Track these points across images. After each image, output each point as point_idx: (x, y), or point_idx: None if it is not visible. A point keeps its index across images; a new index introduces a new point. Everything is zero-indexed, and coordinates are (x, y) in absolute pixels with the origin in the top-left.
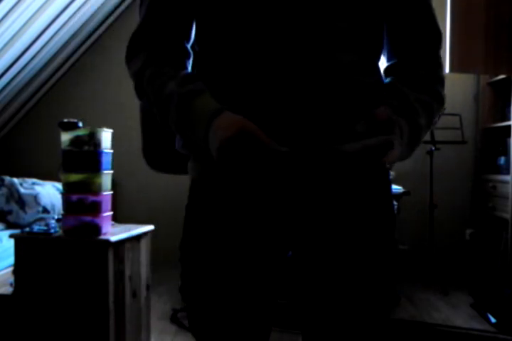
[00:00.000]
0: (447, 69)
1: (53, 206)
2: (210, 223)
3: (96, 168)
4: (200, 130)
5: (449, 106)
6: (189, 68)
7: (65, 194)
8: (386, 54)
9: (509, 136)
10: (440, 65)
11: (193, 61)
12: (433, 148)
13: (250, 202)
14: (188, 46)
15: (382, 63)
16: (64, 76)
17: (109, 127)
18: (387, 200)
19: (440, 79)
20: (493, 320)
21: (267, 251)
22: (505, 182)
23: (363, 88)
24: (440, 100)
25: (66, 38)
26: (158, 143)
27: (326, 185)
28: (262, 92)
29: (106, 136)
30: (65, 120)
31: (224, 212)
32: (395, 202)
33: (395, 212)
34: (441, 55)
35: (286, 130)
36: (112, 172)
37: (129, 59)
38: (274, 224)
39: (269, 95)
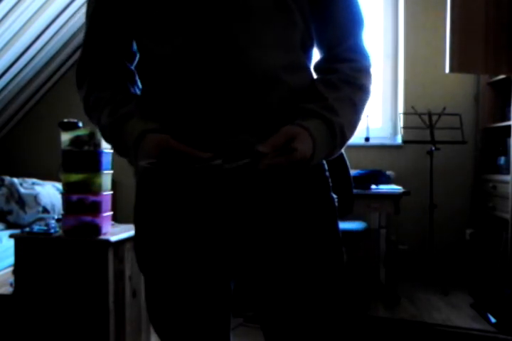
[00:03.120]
0: (447, 69)
1: (53, 206)
2: (157, 219)
3: (96, 168)
4: (133, 159)
5: (449, 106)
6: (133, 86)
7: (65, 194)
8: (318, 51)
9: (509, 136)
10: (363, 54)
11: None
12: (433, 148)
13: (189, 205)
14: (131, 65)
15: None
16: (64, 76)
17: None
18: (320, 195)
19: (363, 68)
20: (493, 320)
21: (212, 240)
22: (505, 182)
23: (284, 89)
24: (364, 90)
25: (66, 37)
26: None
27: (252, 188)
28: (189, 99)
29: None
30: (65, 120)
31: (168, 209)
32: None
33: (336, 204)
34: (440, 55)
35: (212, 134)
36: (111, 172)
37: (79, 86)
38: (215, 222)
39: (195, 100)
